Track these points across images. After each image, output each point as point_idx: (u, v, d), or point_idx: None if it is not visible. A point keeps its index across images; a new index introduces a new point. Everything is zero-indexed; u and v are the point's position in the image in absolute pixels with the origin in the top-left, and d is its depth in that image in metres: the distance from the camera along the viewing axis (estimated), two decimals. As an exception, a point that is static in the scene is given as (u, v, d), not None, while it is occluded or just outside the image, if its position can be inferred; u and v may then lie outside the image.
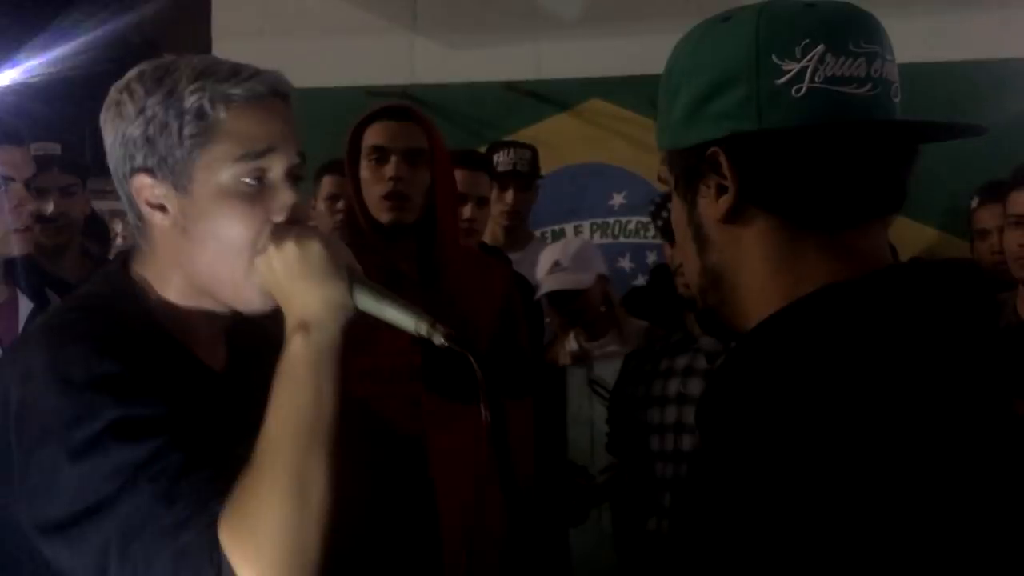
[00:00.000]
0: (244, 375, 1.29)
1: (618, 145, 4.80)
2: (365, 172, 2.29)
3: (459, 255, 2.39)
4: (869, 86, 0.89)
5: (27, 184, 2.24)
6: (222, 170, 1.21)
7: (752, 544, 0.78)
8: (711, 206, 0.93)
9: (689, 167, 0.95)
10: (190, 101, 1.20)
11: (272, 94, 1.24)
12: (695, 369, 2.49)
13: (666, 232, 2.55)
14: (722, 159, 0.91)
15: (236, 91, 1.21)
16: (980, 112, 3.68)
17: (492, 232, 3.84)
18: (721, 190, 0.92)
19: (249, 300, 1.25)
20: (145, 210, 1.25)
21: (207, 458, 1.13)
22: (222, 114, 1.20)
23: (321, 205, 3.87)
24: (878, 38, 0.91)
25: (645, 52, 4.61)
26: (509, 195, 3.69)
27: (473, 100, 4.84)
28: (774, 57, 0.88)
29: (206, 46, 5.29)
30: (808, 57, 0.87)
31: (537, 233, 4.51)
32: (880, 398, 0.80)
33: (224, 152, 1.21)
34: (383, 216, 2.25)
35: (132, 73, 1.25)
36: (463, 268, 2.38)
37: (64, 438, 1.11)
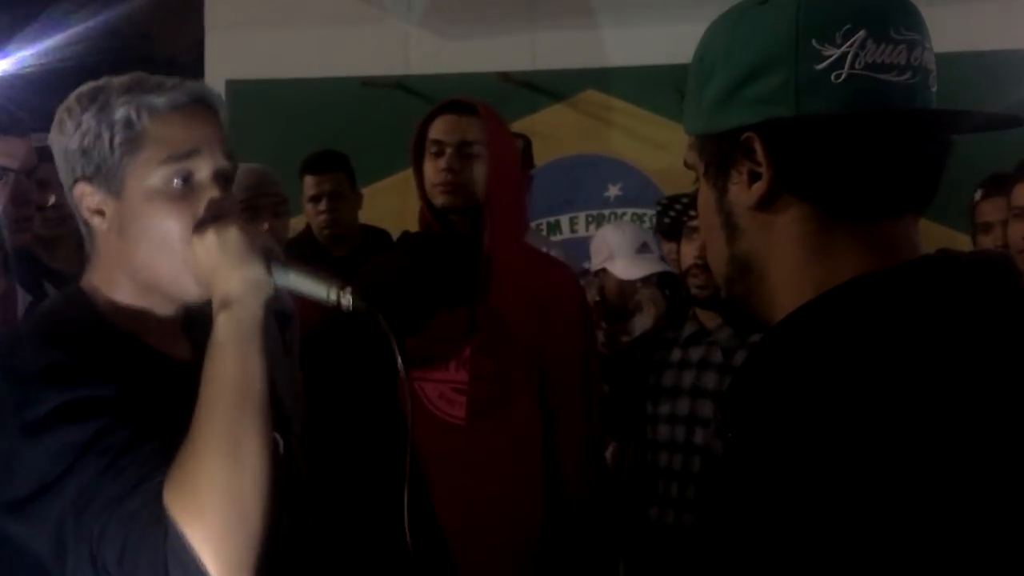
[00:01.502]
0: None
1: (614, 136, 4.80)
2: (427, 164, 2.47)
3: (512, 248, 2.45)
4: (909, 74, 0.87)
5: (29, 175, 2.20)
6: (150, 173, 1.32)
7: (783, 538, 0.77)
8: (743, 193, 0.92)
9: (721, 152, 0.93)
10: (119, 113, 1.31)
11: (194, 102, 1.35)
12: (711, 362, 2.47)
13: (671, 231, 2.54)
14: (757, 144, 0.89)
15: (159, 100, 1.32)
16: (980, 104, 3.67)
17: None
18: (754, 176, 0.90)
19: (188, 291, 1.35)
20: (87, 215, 1.36)
21: (153, 434, 1.21)
22: (147, 122, 1.32)
23: (307, 206, 3.83)
24: (918, 25, 0.89)
25: (641, 43, 4.64)
26: None
27: (468, 91, 4.75)
28: (814, 42, 0.86)
29: (198, 37, 5.26)
30: (849, 43, 0.85)
31: (532, 224, 4.50)
32: (916, 392, 0.78)
33: (151, 156, 1.32)
34: (437, 200, 2.43)
35: (72, 94, 1.37)
36: (519, 266, 2.44)
37: (14, 422, 1.20)
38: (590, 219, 4.83)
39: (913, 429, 0.77)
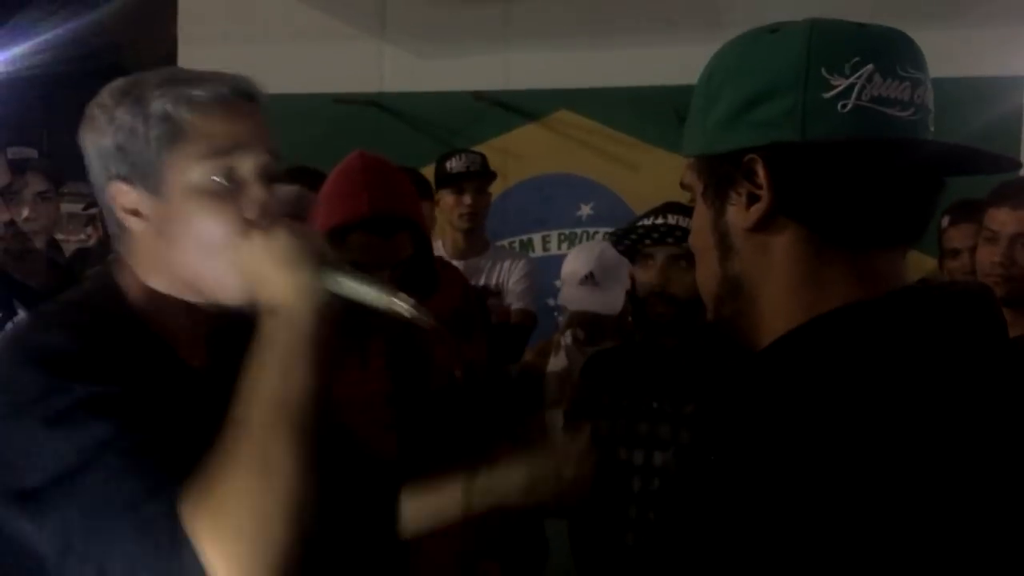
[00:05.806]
0: (223, 373, 1.28)
1: (586, 156, 4.82)
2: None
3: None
4: (912, 111, 0.89)
5: (1, 193, 2.17)
6: (191, 170, 1.25)
7: (774, 561, 0.78)
8: (740, 214, 0.93)
9: (722, 173, 0.94)
10: (156, 106, 1.24)
11: (236, 95, 1.28)
12: None
13: (630, 251, 2.48)
14: (759, 167, 0.90)
15: (199, 92, 1.25)
16: (942, 130, 3.71)
17: (452, 239, 3.83)
18: (752, 199, 0.91)
19: (231, 294, 1.27)
20: (122, 216, 1.29)
21: (173, 440, 1.15)
22: (187, 115, 1.24)
23: None
24: (922, 65, 0.91)
25: (613, 64, 4.67)
26: (467, 197, 3.74)
27: (442, 109, 4.84)
28: (824, 71, 0.88)
29: (171, 51, 5.22)
30: (857, 75, 0.87)
31: (501, 243, 4.52)
32: (903, 420, 0.80)
33: (192, 152, 1.25)
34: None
35: (104, 89, 1.30)
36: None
37: (36, 410, 1.14)
38: (562, 238, 4.86)
39: (898, 458, 0.78)
